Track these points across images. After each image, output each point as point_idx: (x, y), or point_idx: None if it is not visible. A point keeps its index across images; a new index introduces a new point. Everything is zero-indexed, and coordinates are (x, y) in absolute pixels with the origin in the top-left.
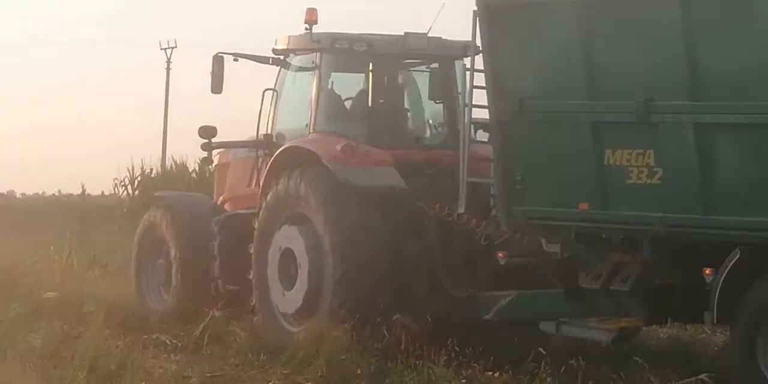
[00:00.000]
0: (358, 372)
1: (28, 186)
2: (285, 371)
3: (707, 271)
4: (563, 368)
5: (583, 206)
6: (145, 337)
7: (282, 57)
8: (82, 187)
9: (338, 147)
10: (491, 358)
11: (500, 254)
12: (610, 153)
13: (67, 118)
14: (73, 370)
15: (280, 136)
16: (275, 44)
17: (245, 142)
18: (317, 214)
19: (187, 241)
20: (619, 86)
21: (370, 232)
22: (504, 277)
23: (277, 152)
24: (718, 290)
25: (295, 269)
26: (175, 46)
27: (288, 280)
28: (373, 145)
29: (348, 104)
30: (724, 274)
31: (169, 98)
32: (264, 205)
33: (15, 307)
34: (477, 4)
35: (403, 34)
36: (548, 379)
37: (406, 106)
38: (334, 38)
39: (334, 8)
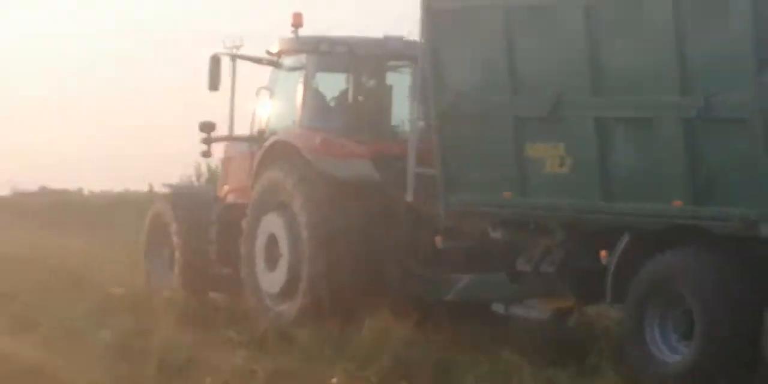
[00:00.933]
0: (422, 366)
1: (96, 183)
2: (350, 366)
3: (603, 254)
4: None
5: (507, 194)
6: (212, 332)
7: (275, 58)
8: (150, 184)
9: (318, 140)
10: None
11: (438, 238)
12: (529, 145)
13: (133, 115)
14: (141, 365)
15: (273, 132)
16: (269, 46)
17: (242, 136)
18: (296, 201)
19: (188, 228)
20: (534, 84)
21: (345, 218)
22: (469, 260)
23: (265, 146)
24: (611, 272)
25: (278, 253)
26: (242, 44)
27: (272, 262)
28: (353, 139)
29: (332, 102)
30: (617, 257)
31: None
32: (253, 194)
33: (84, 303)
34: (420, 9)
35: (382, 37)
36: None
37: (385, 103)
38: (318, 41)
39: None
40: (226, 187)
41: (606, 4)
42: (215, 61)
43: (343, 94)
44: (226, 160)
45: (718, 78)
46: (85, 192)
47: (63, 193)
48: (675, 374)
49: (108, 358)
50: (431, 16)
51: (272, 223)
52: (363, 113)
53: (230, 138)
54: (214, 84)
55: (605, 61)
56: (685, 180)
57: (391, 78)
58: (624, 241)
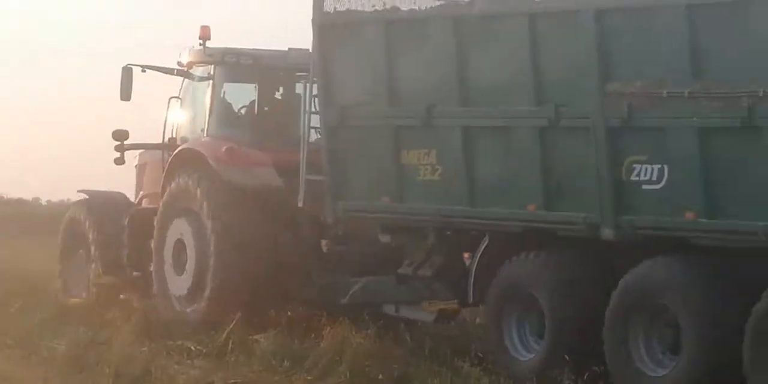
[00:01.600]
0: (381, 378)
1: (53, 193)
2: (308, 378)
3: (466, 256)
4: (586, 375)
5: (386, 200)
6: (170, 343)
7: (185, 69)
8: None
9: (223, 149)
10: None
11: (323, 242)
12: (405, 153)
13: (91, 126)
14: (97, 376)
15: (183, 140)
16: (179, 57)
17: (154, 144)
18: (202, 208)
19: (101, 233)
20: (409, 95)
21: (248, 224)
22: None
23: (173, 154)
24: (473, 274)
25: (185, 257)
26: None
27: (179, 266)
28: (258, 148)
29: (239, 112)
30: (477, 259)
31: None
32: (163, 200)
33: (40, 313)
34: (312, 25)
35: (287, 49)
36: None
37: (290, 113)
38: (224, 53)
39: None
40: (140, 193)
41: (471, 20)
42: (127, 72)
43: (250, 104)
44: (140, 167)
45: (567, 89)
46: (43, 202)
47: (19, 203)
48: (530, 370)
49: (63, 369)
50: (321, 31)
51: (180, 229)
52: (268, 123)
53: (142, 146)
54: (125, 94)
55: (471, 74)
56: (538, 185)
57: (296, 88)
58: (484, 244)
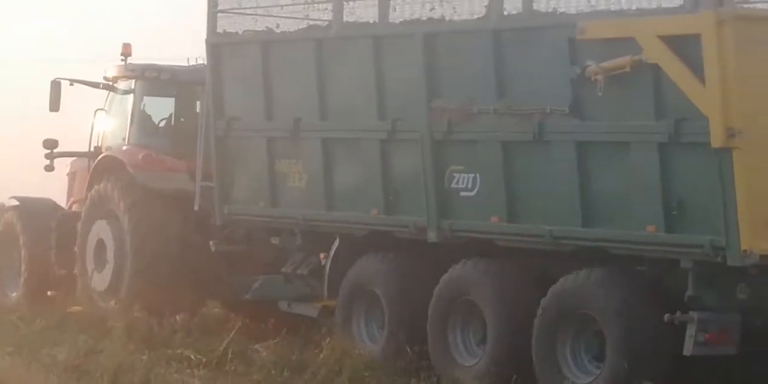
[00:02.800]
0: None
1: None
2: None
3: (322, 256)
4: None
5: (262, 204)
6: (169, 351)
7: (110, 83)
8: None
9: (140, 156)
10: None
11: (211, 243)
12: (278, 162)
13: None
14: None
15: (107, 148)
16: (105, 72)
17: (81, 152)
18: (120, 210)
19: (32, 236)
20: (281, 110)
21: (161, 225)
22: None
23: (96, 161)
24: (327, 272)
25: (106, 256)
26: None
27: (100, 264)
28: (174, 155)
29: (158, 122)
30: (330, 259)
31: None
32: (86, 203)
33: (40, 321)
34: (205, 44)
35: (203, 64)
36: None
37: None
38: (144, 68)
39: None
40: (71, 199)
41: (329, 42)
42: (56, 86)
43: (168, 116)
44: (71, 174)
45: (402, 106)
46: None
47: None
48: (375, 357)
49: (62, 376)
50: (212, 50)
51: (101, 230)
52: (185, 133)
53: (70, 154)
54: (54, 106)
55: (329, 91)
56: (379, 192)
57: None
58: (336, 245)
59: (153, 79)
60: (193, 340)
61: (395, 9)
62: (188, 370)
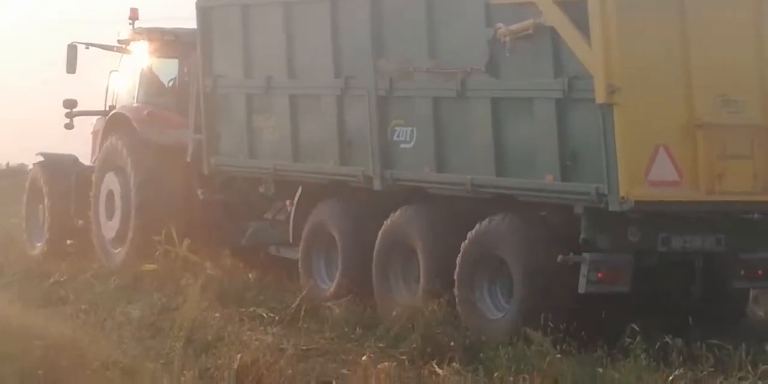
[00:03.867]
0: (452, 345)
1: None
2: (380, 345)
3: (288, 203)
4: (657, 344)
5: (242, 156)
6: (242, 310)
7: (122, 46)
8: None
9: (145, 113)
10: (583, 333)
11: (199, 191)
12: (255, 117)
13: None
14: (170, 341)
15: (120, 107)
16: (118, 36)
17: (98, 111)
18: (127, 163)
19: (55, 189)
20: (257, 68)
21: (163, 177)
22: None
23: (107, 118)
24: (291, 218)
25: (114, 206)
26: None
27: (110, 213)
28: (180, 112)
29: (166, 82)
30: (294, 207)
31: None
32: (99, 158)
33: (114, 279)
34: (195, 6)
35: None
36: (642, 356)
37: None
38: (149, 31)
39: None
40: (94, 156)
41: (295, 6)
42: (72, 49)
43: (174, 75)
44: (95, 133)
45: (354, 65)
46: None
47: None
48: (328, 295)
49: (136, 333)
50: (201, 12)
51: (111, 182)
52: (188, 91)
53: (88, 113)
54: (71, 68)
55: (295, 51)
56: (335, 145)
57: None
58: (299, 193)
59: (158, 41)
60: (266, 298)
61: None
62: (261, 328)
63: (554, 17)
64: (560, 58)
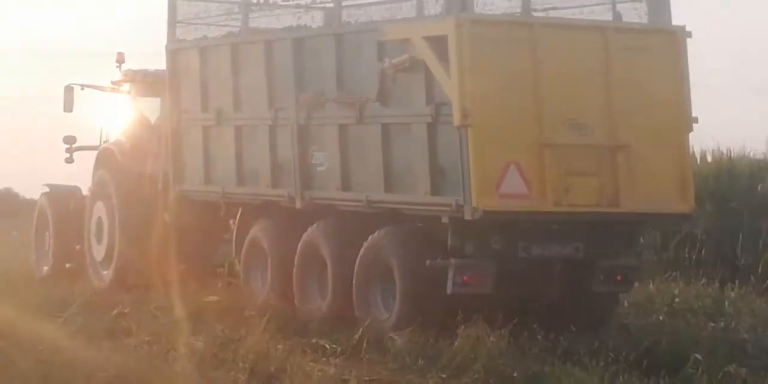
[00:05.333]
0: (515, 376)
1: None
2: (443, 375)
3: (231, 222)
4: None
5: (198, 182)
6: (304, 340)
7: (114, 87)
8: None
9: (128, 146)
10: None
11: (165, 215)
12: (210, 146)
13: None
14: (233, 373)
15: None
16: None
17: (94, 146)
18: (112, 190)
19: (57, 217)
20: (212, 102)
21: (143, 201)
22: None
23: (98, 151)
24: (234, 236)
25: (103, 230)
26: None
27: (99, 237)
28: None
29: (151, 119)
30: (236, 225)
31: None
32: (91, 187)
33: (177, 311)
34: (165, 49)
35: None
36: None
37: None
38: (135, 73)
39: None
40: None
41: (238, 46)
42: (69, 90)
43: (157, 113)
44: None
45: (282, 98)
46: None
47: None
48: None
49: (200, 365)
50: (169, 55)
51: (100, 209)
52: None
53: (85, 148)
54: (68, 107)
55: (240, 88)
56: (267, 169)
57: None
58: (239, 213)
59: (141, 82)
60: (329, 329)
61: (278, 18)
62: (324, 359)
63: (424, 51)
64: (431, 87)
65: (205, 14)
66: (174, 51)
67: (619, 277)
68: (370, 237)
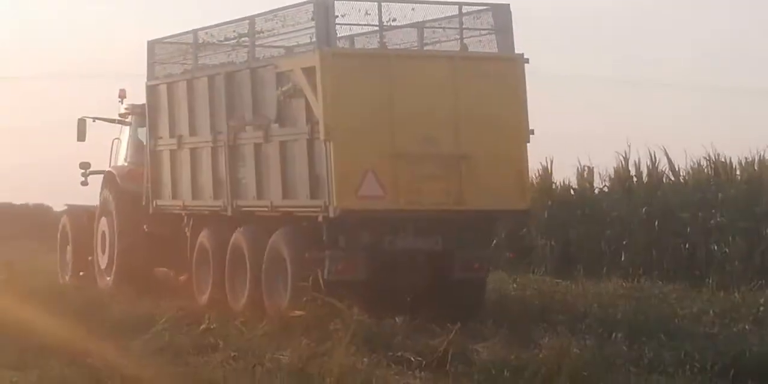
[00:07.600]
0: None
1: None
2: None
3: (186, 231)
4: None
5: (167, 197)
6: (390, 354)
7: (121, 119)
8: None
9: (126, 170)
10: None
11: (144, 226)
12: (176, 166)
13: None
14: None
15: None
16: (119, 110)
17: (103, 170)
18: (113, 209)
19: (75, 232)
20: (176, 130)
21: (137, 217)
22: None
23: (104, 174)
24: (188, 242)
25: (106, 242)
26: None
27: (103, 248)
28: None
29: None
30: (189, 232)
31: None
32: (98, 206)
33: (263, 325)
34: (145, 85)
35: None
36: None
37: None
38: (134, 106)
39: None
40: None
41: (191, 81)
42: (82, 122)
43: None
44: None
45: (219, 123)
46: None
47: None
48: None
49: (286, 380)
50: (148, 90)
51: (104, 224)
52: None
53: (98, 172)
54: (81, 137)
55: (194, 116)
56: (209, 184)
57: None
58: (190, 222)
59: (140, 115)
60: (413, 342)
61: (217, 56)
62: (409, 372)
63: (301, 80)
64: (309, 109)
65: (177, 54)
66: (151, 87)
67: (476, 266)
68: (273, 236)
